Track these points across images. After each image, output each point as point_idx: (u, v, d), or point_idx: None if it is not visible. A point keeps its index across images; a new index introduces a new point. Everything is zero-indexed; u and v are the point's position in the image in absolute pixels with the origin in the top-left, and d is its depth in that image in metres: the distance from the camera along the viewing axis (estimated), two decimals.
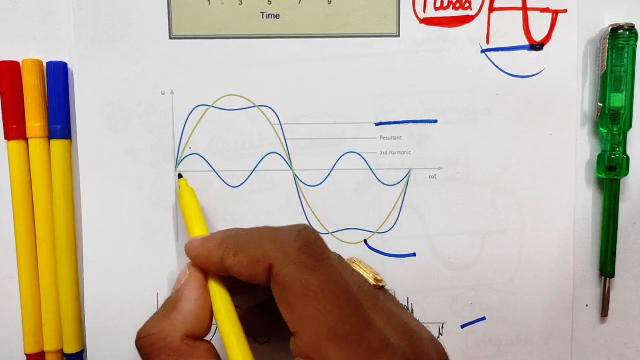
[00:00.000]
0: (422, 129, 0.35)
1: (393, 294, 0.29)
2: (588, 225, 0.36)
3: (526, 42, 0.35)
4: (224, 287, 0.29)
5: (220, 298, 0.28)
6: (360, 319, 0.24)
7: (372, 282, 0.27)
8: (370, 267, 0.29)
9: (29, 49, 0.35)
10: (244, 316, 0.29)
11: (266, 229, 0.28)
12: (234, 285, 0.29)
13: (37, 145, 0.35)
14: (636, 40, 0.34)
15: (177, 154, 0.35)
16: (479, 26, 0.35)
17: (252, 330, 0.31)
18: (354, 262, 0.29)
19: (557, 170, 0.35)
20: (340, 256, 0.28)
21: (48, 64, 0.35)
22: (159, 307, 0.29)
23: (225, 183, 0.35)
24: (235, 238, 0.28)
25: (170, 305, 0.28)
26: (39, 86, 0.35)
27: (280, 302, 0.25)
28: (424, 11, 0.35)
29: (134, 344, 0.35)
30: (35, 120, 0.34)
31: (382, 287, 0.28)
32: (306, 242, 0.26)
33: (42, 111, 0.35)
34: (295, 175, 0.35)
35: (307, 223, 0.26)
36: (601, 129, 0.35)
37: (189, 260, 0.35)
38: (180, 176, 0.35)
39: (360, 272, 0.28)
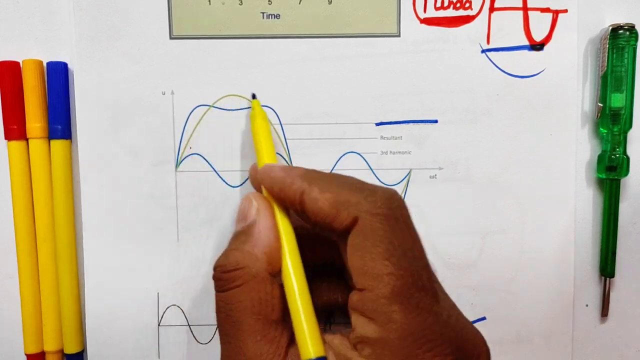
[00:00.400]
0: (422, 129, 0.35)
1: None
2: (588, 225, 0.36)
3: (526, 42, 0.35)
4: (289, 221, 0.28)
5: (289, 234, 0.27)
6: (433, 291, 0.24)
7: None
8: None
9: (29, 49, 0.35)
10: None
11: (354, 179, 0.27)
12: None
13: (37, 145, 0.35)
14: (636, 40, 0.34)
15: (178, 154, 0.35)
16: (479, 26, 0.35)
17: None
18: None
19: (557, 170, 0.35)
20: None
21: (48, 64, 0.35)
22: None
23: (226, 183, 0.35)
24: (322, 176, 0.27)
25: (248, 239, 0.27)
26: (39, 86, 0.35)
27: (354, 254, 0.24)
28: (424, 11, 0.35)
29: (134, 344, 0.36)
30: (35, 120, 0.34)
31: None
32: (398, 203, 0.25)
33: (42, 111, 0.35)
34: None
35: (394, 189, 0.26)
36: (601, 129, 0.35)
37: (188, 262, 0.35)
38: (254, 96, 0.34)
39: None
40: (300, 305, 0.26)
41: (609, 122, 0.35)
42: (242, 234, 0.27)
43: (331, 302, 0.31)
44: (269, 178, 0.28)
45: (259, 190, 0.30)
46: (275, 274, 0.27)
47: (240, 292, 0.25)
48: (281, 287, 0.26)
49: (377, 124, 0.35)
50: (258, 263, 0.26)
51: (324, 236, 0.28)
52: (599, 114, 0.35)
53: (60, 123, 0.35)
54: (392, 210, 0.25)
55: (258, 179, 0.29)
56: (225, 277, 0.26)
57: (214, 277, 0.27)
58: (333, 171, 0.35)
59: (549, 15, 0.35)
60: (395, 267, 0.23)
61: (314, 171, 0.27)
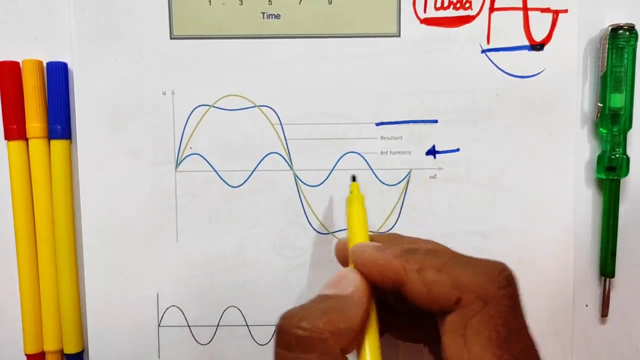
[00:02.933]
0: (422, 129, 0.35)
1: None
2: (588, 225, 0.36)
3: (526, 42, 0.35)
4: (376, 310, 0.26)
5: (373, 319, 0.25)
6: None
7: None
8: None
9: (29, 49, 0.35)
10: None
11: (457, 254, 0.25)
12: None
13: (37, 145, 0.35)
14: (636, 40, 0.34)
15: (178, 154, 0.35)
16: (479, 26, 0.35)
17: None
18: None
19: (557, 170, 0.35)
20: None
21: (48, 64, 0.35)
22: (308, 301, 0.25)
23: (226, 183, 0.35)
24: (422, 253, 0.25)
25: (336, 308, 0.24)
26: (39, 86, 0.35)
27: (451, 337, 0.22)
28: (425, 11, 0.35)
29: (135, 344, 0.36)
30: (35, 120, 0.34)
31: None
32: (509, 282, 0.23)
33: (42, 111, 0.35)
34: (295, 175, 0.35)
35: (503, 263, 0.24)
36: (601, 129, 0.35)
37: (187, 262, 0.35)
38: (353, 179, 0.32)
39: None
40: None
41: (609, 122, 0.35)
42: (330, 301, 0.24)
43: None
44: (362, 259, 0.26)
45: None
46: (347, 354, 0.24)
47: (304, 353, 0.22)
48: None
49: (377, 124, 0.35)
50: (338, 338, 0.23)
51: (420, 315, 0.26)
52: (599, 114, 0.35)
53: (60, 123, 0.35)
54: (500, 291, 0.23)
55: (351, 259, 0.27)
56: (297, 333, 0.23)
57: (283, 328, 0.23)
58: (333, 171, 0.35)
59: (549, 16, 0.35)
60: (497, 358, 0.21)
61: (413, 249, 0.25)
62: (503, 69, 0.35)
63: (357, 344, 0.24)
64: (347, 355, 0.23)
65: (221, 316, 0.36)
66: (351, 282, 0.25)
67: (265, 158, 0.35)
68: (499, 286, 0.23)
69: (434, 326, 0.24)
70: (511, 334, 0.22)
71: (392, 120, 0.35)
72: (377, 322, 0.25)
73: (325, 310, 0.24)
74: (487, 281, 0.23)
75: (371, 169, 0.36)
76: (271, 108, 0.35)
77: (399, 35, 0.35)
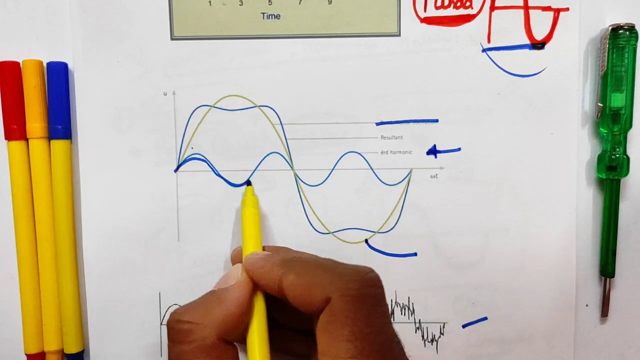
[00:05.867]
0: (423, 129, 0.35)
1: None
2: (588, 225, 0.36)
3: (527, 41, 0.35)
4: (264, 304, 0.29)
5: (259, 312, 0.29)
6: None
7: None
8: None
9: (30, 49, 0.35)
10: (284, 334, 0.31)
11: (330, 261, 0.29)
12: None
13: (37, 145, 0.35)
14: (636, 40, 0.34)
15: (179, 154, 0.35)
16: (480, 25, 0.35)
17: (292, 347, 0.32)
18: None
19: (558, 169, 0.35)
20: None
21: (48, 64, 0.35)
22: (198, 298, 0.28)
23: (227, 182, 0.35)
24: (299, 262, 0.28)
25: (215, 300, 0.28)
26: (39, 86, 0.34)
27: (323, 333, 0.25)
28: (425, 10, 0.35)
29: (136, 344, 0.36)
30: (35, 120, 0.34)
31: None
32: (370, 285, 0.26)
33: (42, 111, 0.35)
34: (296, 175, 0.35)
35: (370, 267, 0.27)
36: (601, 128, 0.35)
37: (189, 262, 0.35)
38: (248, 183, 0.35)
39: None
40: None
41: (609, 121, 0.35)
42: (210, 295, 0.28)
43: (288, 352, 0.32)
44: (250, 267, 0.29)
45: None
46: (232, 341, 0.27)
47: (189, 351, 0.26)
48: (238, 353, 0.27)
49: (378, 124, 0.35)
50: (213, 327, 0.26)
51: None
52: (599, 114, 0.35)
53: (60, 123, 0.35)
54: (362, 290, 0.25)
55: (244, 268, 0.30)
56: (177, 327, 0.26)
57: (168, 324, 0.27)
58: (334, 171, 0.35)
59: (550, 14, 0.35)
60: (358, 351, 0.24)
61: (292, 257, 0.29)
62: (504, 68, 0.35)
63: (241, 333, 0.28)
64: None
65: None
66: (233, 277, 0.29)
67: (266, 158, 0.35)
68: (364, 287, 0.26)
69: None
70: (374, 328, 0.25)
71: (393, 120, 0.35)
72: (265, 313, 0.29)
73: (203, 303, 0.27)
74: (353, 283, 0.26)
75: (372, 169, 0.35)
76: (272, 108, 0.35)
77: (399, 35, 0.35)
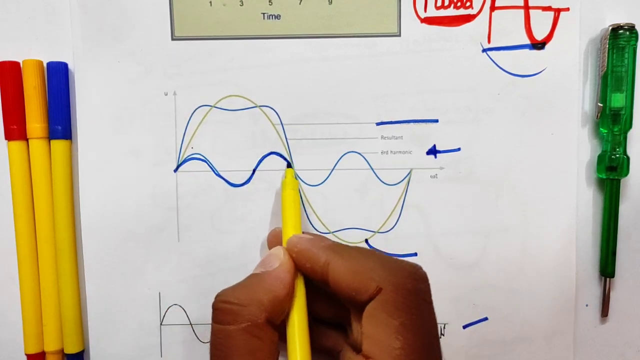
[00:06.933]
0: (423, 129, 0.35)
1: None
2: (588, 225, 0.36)
3: (528, 41, 0.35)
4: (304, 289, 0.29)
5: (300, 296, 0.28)
6: None
7: None
8: None
9: (30, 49, 0.35)
10: (315, 327, 0.30)
11: (379, 253, 0.29)
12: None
13: (37, 145, 0.35)
14: (636, 40, 0.34)
15: (179, 154, 0.35)
16: (480, 25, 0.35)
17: (320, 341, 0.32)
18: None
19: (558, 170, 0.35)
20: None
21: (48, 64, 0.35)
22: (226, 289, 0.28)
23: (227, 183, 0.35)
24: (347, 248, 0.28)
25: (260, 282, 0.27)
26: (39, 87, 0.34)
27: (371, 320, 0.25)
28: (425, 10, 0.35)
29: (136, 344, 0.36)
30: (35, 120, 0.34)
31: None
32: (422, 281, 0.27)
33: (42, 112, 0.35)
34: (296, 175, 0.35)
35: (419, 265, 0.27)
36: (601, 129, 0.35)
37: (189, 262, 0.35)
38: (289, 165, 0.35)
39: None
40: None
41: (609, 122, 0.35)
42: (255, 277, 0.28)
43: (329, 351, 0.32)
44: (296, 249, 0.29)
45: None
46: (276, 325, 0.27)
47: (236, 332, 0.26)
48: (279, 338, 0.27)
49: (378, 124, 0.35)
50: (260, 308, 0.26)
51: (337, 300, 0.29)
52: (599, 114, 0.35)
53: (60, 123, 0.35)
54: (415, 284, 0.26)
55: (287, 249, 0.29)
56: (223, 307, 0.26)
57: (213, 306, 0.27)
58: (334, 171, 0.35)
59: (551, 14, 0.35)
60: (407, 343, 0.24)
61: (339, 244, 0.29)
62: (504, 68, 0.35)
63: (284, 317, 0.28)
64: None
65: None
66: (276, 259, 0.28)
67: (266, 158, 0.35)
68: (417, 282, 0.26)
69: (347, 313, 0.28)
70: (423, 324, 0.25)
71: (393, 120, 0.35)
72: (305, 298, 0.28)
73: (249, 284, 0.27)
74: (405, 276, 0.26)
75: (372, 169, 0.36)
76: (272, 108, 0.35)
77: (399, 35, 0.35)
